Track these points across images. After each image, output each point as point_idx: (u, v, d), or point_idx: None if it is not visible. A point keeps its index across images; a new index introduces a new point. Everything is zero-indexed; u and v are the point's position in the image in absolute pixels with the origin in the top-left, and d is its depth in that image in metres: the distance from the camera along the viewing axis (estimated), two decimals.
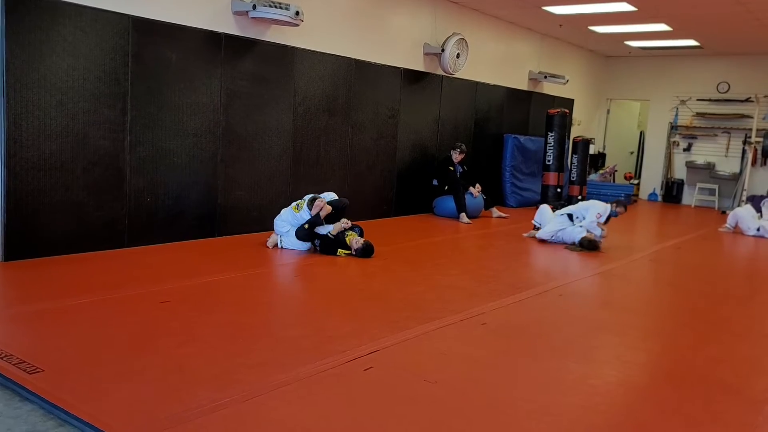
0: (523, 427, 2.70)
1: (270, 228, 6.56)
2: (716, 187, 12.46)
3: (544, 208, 7.58)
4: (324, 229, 5.83)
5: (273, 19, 6.24)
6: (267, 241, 6.03)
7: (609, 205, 7.25)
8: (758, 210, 9.29)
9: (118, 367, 3.02)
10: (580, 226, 7.13)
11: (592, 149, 12.77)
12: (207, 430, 2.48)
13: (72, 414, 2.55)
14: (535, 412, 2.83)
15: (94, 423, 2.47)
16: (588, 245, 6.87)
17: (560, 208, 7.56)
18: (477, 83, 9.77)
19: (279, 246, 5.95)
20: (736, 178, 12.21)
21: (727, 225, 9.22)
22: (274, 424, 2.58)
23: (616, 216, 7.32)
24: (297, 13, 6.20)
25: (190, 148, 6.01)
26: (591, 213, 7.19)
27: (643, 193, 13.41)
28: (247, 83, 6.43)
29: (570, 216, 7.26)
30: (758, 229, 8.83)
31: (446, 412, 2.79)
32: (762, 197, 10.06)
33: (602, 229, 7.13)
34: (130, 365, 3.06)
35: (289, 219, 5.90)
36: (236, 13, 6.24)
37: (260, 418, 2.61)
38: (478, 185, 8.83)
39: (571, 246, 7.00)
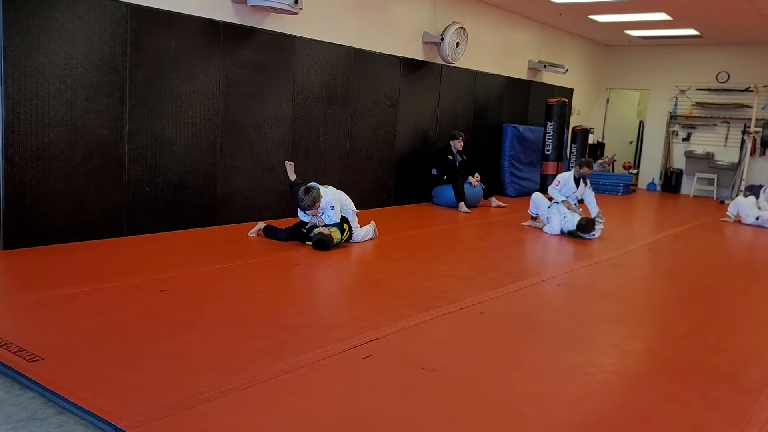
0: (520, 414, 2.71)
1: (269, 217, 6.57)
2: (715, 176, 12.46)
3: (538, 197, 7.56)
4: (305, 217, 5.72)
5: (272, 7, 6.21)
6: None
7: (572, 171, 7.31)
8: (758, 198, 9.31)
9: (117, 355, 3.04)
10: (574, 212, 7.17)
11: (592, 139, 12.77)
12: (208, 418, 2.50)
13: (72, 401, 2.56)
14: (533, 399, 2.85)
15: (94, 410, 2.49)
16: (585, 225, 6.88)
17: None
18: (476, 72, 9.75)
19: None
20: (735, 168, 12.22)
21: (728, 214, 9.23)
22: (275, 411, 2.60)
23: (583, 177, 7.25)
24: (296, 1, 6.17)
25: (189, 136, 6.00)
26: (552, 186, 7.32)
27: (642, 183, 13.42)
28: (246, 72, 6.41)
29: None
30: (757, 218, 8.84)
31: (444, 399, 2.80)
32: (761, 187, 10.06)
33: (564, 197, 7.18)
34: (130, 353, 3.07)
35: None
36: (235, 1, 6.21)
37: (261, 406, 2.63)
38: (477, 174, 8.83)
39: (568, 233, 7.03)
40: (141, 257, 5.01)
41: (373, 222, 6.26)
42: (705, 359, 3.54)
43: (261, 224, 5.99)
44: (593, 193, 7.40)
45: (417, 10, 8.55)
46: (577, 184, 7.25)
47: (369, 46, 7.83)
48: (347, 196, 6.03)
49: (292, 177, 6.06)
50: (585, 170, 7.22)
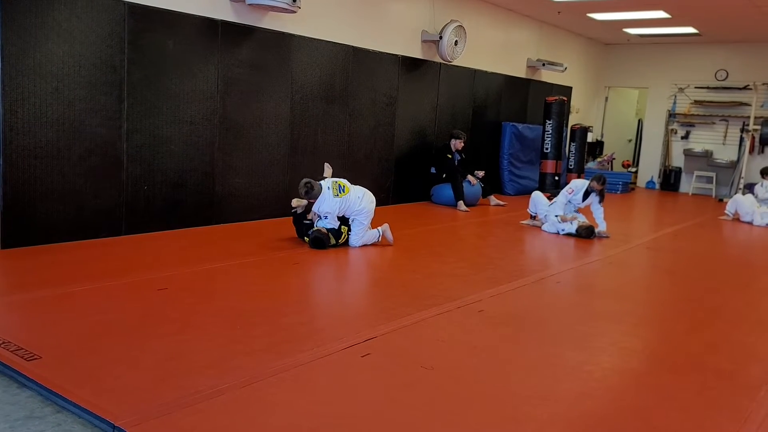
0: (519, 413, 2.71)
1: (268, 216, 6.58)
2: (714, 175, 12.46)
3: (537, 196, 7.53)
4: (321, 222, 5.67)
5: (270, 6, 6.20)
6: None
7: (586, 182, 7.14)
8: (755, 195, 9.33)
9: (115, 354, 3.03)
10: (575, 211, 7.15)
11: (590, 137, 12.77)
12: (205, 416, 2.49)
13: (70, 400, 2.56)
14: (532, 397, 2.85)
15: (91, 409, 2.48)
16: (585, 233, 6.87)
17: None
18: (475, 71, 9.74)
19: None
20: (734, 165, 12.22)
21: (726, 212, 9.23)
22: (272, 409, 2.60)
23: (593, 192, 7.01)
24: None
25: (187, 135, 5.99)
26: (564, 189, 7.20)
27: (641, 181, 13.42)
28: (244, 71, 6.41)
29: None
30: (753, 217, 8.85)
31: (443, 397, 2.80)
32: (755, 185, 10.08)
33: (566, 202, 7.08)
34: (128, 352, 3.07)
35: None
36: None
37: (258, 404, 2.62)
38: (478, 172, 8.83)
39: (566, 234, 7.02)
40: (139, 256, 5.00)
41: (386, 225, 5.93)
42: (703, 357, 3.54)
43: (302, 206, 5.72)
44: (602, 209, 7.11)
45: (415, 8, 8.55)
46: (585, 197, 7.10)
47: (367, 44, 7.82)
48: (365, 207, 5.69)
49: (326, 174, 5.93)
50: (593, 185, 6.97)
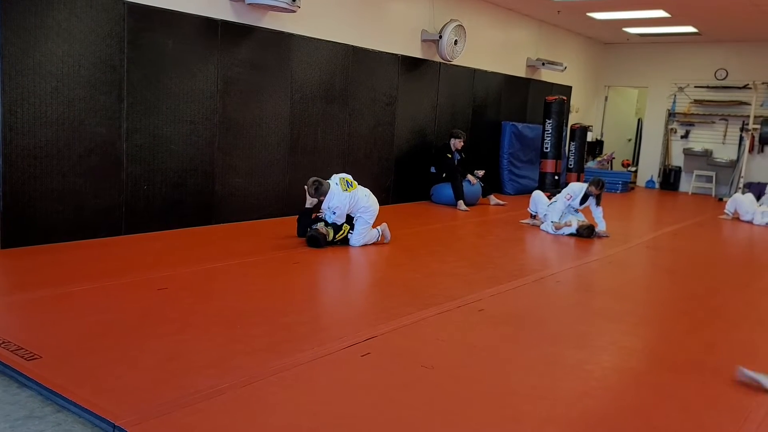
0: (518, 411, 2.71)
1: (268, 215, 6.57)
2: (713, 174, 12.47)
3: (538, 195, 7.53)
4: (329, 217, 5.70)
5: (269, 6, 6.20)
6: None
7: (584, 186, 7.13)
8: (758, 197, 9.34)
9: (115, 354, 3.03)
10: (575, 211, 7.14)
11: (590, 136, 12.77)
12: (205, 415, 2.50)
13: (70, 400, 2.56)
14: (531, 396, 2.85)
15: (92, 409, 2.48)
16: (585, 232, 6.87)
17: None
18: (475, 70, 9.74)
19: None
20: (734, 165, 12.22)
21: (726, 211, 9.23)
22: (272, 409, 2.60)
23: (591, 196, 7.02)
24: None
25: (187, 135, 5.99)
26: (561, 194, 7.19)
27: (641, 181, 13.42)
28: (244, 70, 6.41)
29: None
30: (753, 216, 8.85)
31: (443, 396, 2.80)
32: (760, 184, 10.08)
33: (565, 216, 7.05)
34: (127, 352, 3.07)
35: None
36: None
37: (258, 404, 2.63)
38: (478, 171, 8.83)
39: (571, 233, 7.01)
40: (139, 256, 5.00)
41: (384, 224, 5.97)
42: (703, 356, 3.54)
43: (312, 202, 5.68)
44: (601, 209, 7.10)
45: (415, 7, 8.54)
46: (583, 201, 7.09)
47: (367, 44, 7.82)
48: (372, 205, 5.75)
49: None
50: (592, 189, 6.98)
